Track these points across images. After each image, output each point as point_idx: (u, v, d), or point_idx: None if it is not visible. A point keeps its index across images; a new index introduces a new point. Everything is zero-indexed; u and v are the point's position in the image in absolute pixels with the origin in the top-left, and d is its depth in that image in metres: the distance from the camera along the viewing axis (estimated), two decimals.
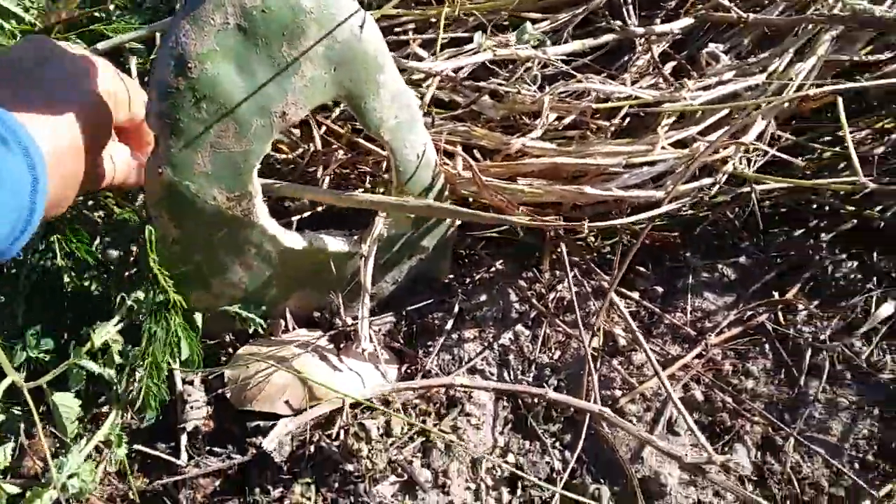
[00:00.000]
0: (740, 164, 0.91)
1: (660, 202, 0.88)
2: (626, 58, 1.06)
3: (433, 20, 1.04)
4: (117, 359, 0.78)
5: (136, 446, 0.82)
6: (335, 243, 0.88)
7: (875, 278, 0.96)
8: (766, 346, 0.92)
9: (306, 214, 0.96)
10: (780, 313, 0.94)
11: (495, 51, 0.92)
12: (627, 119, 0.98)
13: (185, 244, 0.81)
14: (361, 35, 0.78)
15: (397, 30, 1.06)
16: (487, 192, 0.85)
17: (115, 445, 0.76)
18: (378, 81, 0.80)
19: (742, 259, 1.00)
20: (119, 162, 0.78)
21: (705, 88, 0.94)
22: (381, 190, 0.93)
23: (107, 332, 0.78)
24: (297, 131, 1.00)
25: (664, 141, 0.89)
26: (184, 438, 0.81)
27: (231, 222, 0.81)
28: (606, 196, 0.88)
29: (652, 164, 0.89)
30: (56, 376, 0.74)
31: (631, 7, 1.01)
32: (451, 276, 0.98)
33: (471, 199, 0.97)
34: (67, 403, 0.75)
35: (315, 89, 0.78)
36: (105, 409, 0.84)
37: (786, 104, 0.92)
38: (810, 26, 0.99)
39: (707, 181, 0.91)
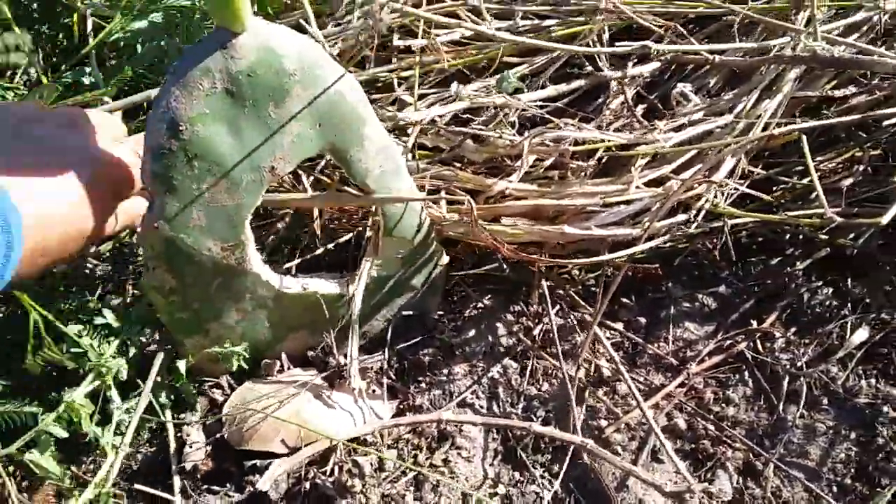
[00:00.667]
0: (714, 198, 0.93)
1: (638, 238, 0.89)
2: (600, 99, 1.08)
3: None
4: (85, 425, 0.79)
5: (135, 485, 0.83)
6: (327, 286, 0.90)
7: (850, 304, 0.97)
8: (746, 373, 0.93)
9: (297, 261, 0.97)
10: (758, 341, 0.95)
11: (472, 99, 0.94)
12: (605, 159, 0.99)
13: (184, 293, 0.83)
14: (344, 93, 0.80)
15: (383, 77, 1.08)
16: (479, 232, 0.86)
17: (106, 500, 0.77)
18: (362, 134, 0.82)
19: (721, 288, 1.01)
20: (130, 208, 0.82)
21: (676, 129, 0.95)
22: (370, 235, 0.94)
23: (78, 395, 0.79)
24: (287, 178, 1.02)
25: (638, 181, 0.90)
26: (177, 479, 0.82)
27: (226, 271, 0.82)
28: (586, 235, 0.89)
29: (628, 202, 0.91)
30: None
31: (603, 53, 1.03)
32: (441, 312, 0.99)
33: (458, 240, 0.99)
34: (44, 465, 0.76)
35: (302, 144, 0.80)
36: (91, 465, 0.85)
37: (754, 142, 0.93)
38: (774, 66, 1.01)
39: (682, 218, 0.92)
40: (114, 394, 0.82)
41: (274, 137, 0.78)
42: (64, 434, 0.77)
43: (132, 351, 0.84)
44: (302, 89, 0.78)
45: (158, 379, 0.85)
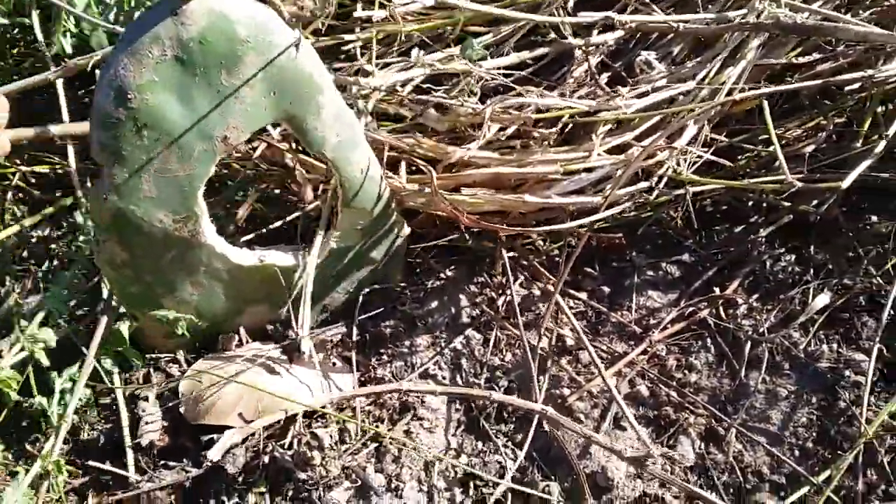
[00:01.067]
0: (677, 166, 0.90)
1: (600, 207, 0.87)
2: (564, 68, 1.05)
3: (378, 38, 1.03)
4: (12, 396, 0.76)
5: (89, 462, 0.80)
6: (284, 258, 0.87)
7: (812, 270, 0.95)
8: (708, 340, 0.91)
9: (257, 233, 0.95)
10: (721, 308, 0.93)
11: (433, 65, 0.91)
12: (569, 127, 0.96)
13: (135, 266, 0.80)
14: (298, 59, 0.76)
15: (345, 47, 1.05)
16: (439, 201, 0.84)
17: (56, 472, 0.74)
18: (318, 102, 0.79)
19: (685, 256, 0.99)
20: None
21: (640, 96, 0.93)
22: (328, 203, 0.91)
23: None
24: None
25: (600, 148, 0.88)
26: (130, 453, 0.79)
27: (179, 243, 0.79)
28: (546, 203, 0.87)
29: (590, 170, 0.88)
30: None
31: (567, 23, 1.00)
32: (403, 284, 0.97)
33: (419, 211, 0.97)
34: None
35: (256, 113, 0.77)
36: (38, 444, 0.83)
37: (717, 108, 0.91)
38: (738, 33, 0.98)
39: (644, 185, 0.89)
40: (43, 360, 0.78)
41: (226, 106, 0.75)
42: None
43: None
44: (255, 56, 0.74)
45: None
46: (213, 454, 0.71)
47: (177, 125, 0.74)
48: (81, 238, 0.92)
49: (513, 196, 0.86)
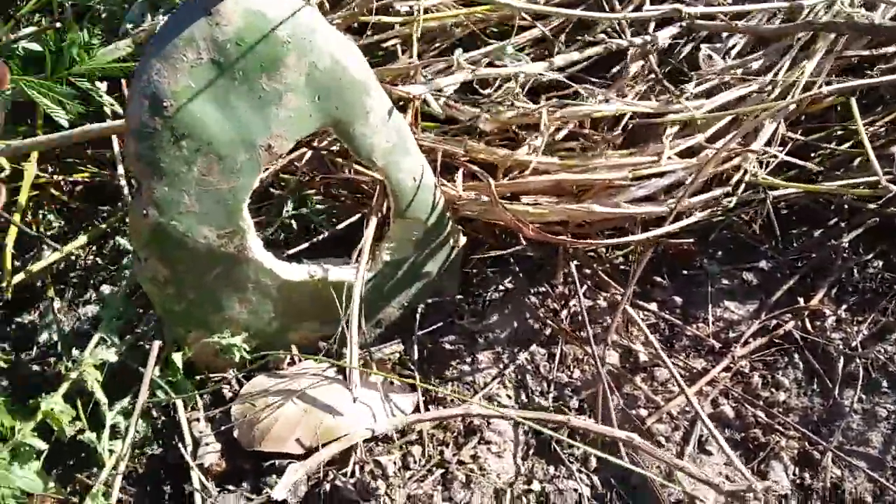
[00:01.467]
0: (752, 168, 0.81)
1: (671, 214, 0.78)
2: (616, 66, 0.96)
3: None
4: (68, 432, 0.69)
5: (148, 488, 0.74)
6: (335, 272, 0.80)
7: None
8: (796, 355, 0.80)
9: (304, 246, 0.87)
10: (806, 320, 0.83)
11: (475, 70, 0.83)
12: (629, 127, 0.88)
13: (178, 284, 0.72)
14: (343, 61, 0.70)
15: (384, 45, 0.97)
16: (500, 211, 0.76)
17: None
18: (366, 106, 0.72)
19: (762, 263, 0.89)
20: None
21: (707, 95, 0.84)
22: (375, 217, 0.83)
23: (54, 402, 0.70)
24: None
25: (670, 150, 0.79)
26: (196, 477, 0.72)
27: (224, 259, 0.72)
28: (616, 213, 0.78)
29: (661, 175, 0.80)
30: None
31: (627, 17, 0.91)
32: (460, 296, 0.88)
33: (473, 218, 0.89)
34: (28, 479, 0.67)
35: (300, 120, 0.70)
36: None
37: (794, 105, 0.82)
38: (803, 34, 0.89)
39: (720, 192, 0.80)
40: (99, 395, 0.72)
41: (269, 112, 0.68)
42: (43, 445, 0.68)
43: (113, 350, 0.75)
44: (297, 58, 0.67)
45: (157, 374, 0.76)
46: (278, 494, 0.63)
47: (217, 134, 0.67)
48: (125, 260, 0.85)
49: (579, 206, 0.77)
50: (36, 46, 0.89)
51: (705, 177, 0.76)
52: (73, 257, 0.94)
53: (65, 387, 0.70)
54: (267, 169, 0.74)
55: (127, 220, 0.88)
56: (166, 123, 0.65)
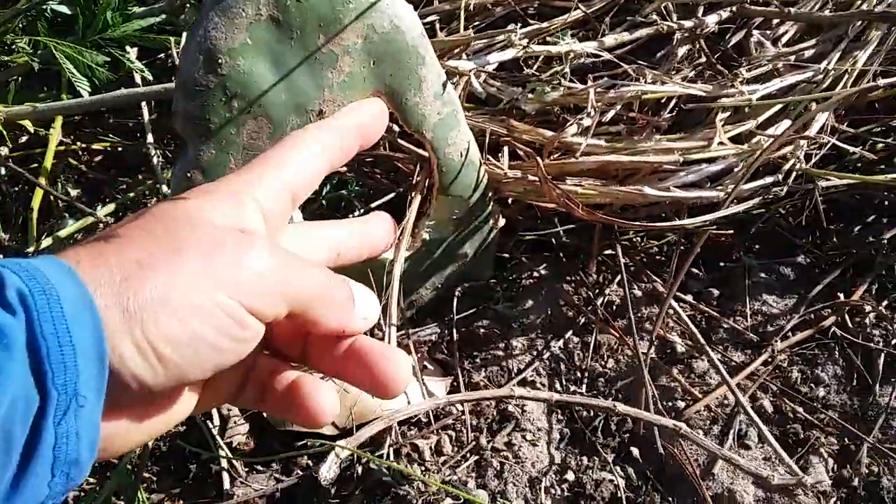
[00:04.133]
0: (805, 160, 0.82)
1: (720, 202, 0.79)
2: (662, 49, 0.97)
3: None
4: None
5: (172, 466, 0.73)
6: None
7: None
8: (836, 350, 0.82)
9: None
10: (847, 315, 0.84)
11: (528, 48, 0.83)
12: (675, 112, 0.88)
13: None
14: (403, 26, 0.69)
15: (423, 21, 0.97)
16: (549, 189, 0.76)
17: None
18: (420, 75, 0.72)
19: (800, 258, 0.91)
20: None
21: (760, 81, 0.85)
22: (420, 195, 0.83)
23: None
24: None
25: (722, 135, 0.80)
26: (224, 456, 0.72)
27: None
28: (668, 197, 0.79)
29: (712, 160, 0.81)
30: None
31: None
32: (494, 280, 0.89)
33: (510, 201, 0.89)
34: None
35: (354, 85, 0.69)
36: None
37: (852, 96, 0.83)
38: (858, 23, 0.90)
39: (770, 180, 0.81)
40: None
41: (323, 75, 0.68)
42: None
43: None
44: (357, 19, 0.67)
45: None
46: (326, 474, 0.63)
47: (269, 96, 0.66)
48: None
49: (629, 188, 0.78)
50: (65, 9, 0.86)
51: (759, 164, 0.77)
52: (97, 226, 0.93)
53: None
54: None
55: (153, 188, 0.87)
56: (219, 81, 0.64)
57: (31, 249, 0.81)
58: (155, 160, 0.92)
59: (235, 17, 0.63)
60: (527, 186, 0.81)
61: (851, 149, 0.87)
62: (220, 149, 0.67)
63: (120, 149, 1.05)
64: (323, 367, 0.48)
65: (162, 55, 1.08)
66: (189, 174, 0.67)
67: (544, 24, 0.91)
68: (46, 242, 0.82)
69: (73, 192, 1.02)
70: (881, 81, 0.79)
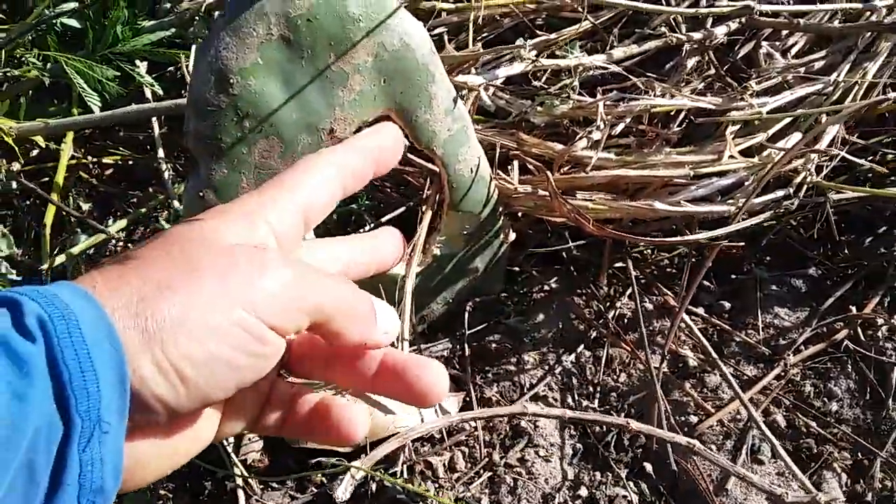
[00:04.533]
0: (815, 173, 0.82)
1: (731, 216, 0.79)
2: (670, 60, 0.97)
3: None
4: None
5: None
6: None
7: None
8: (848, 364, 0.82)
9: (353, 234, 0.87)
10: (859, 329, 0.84)
11: (537, 61, 0.83)
12: (685, 124, 0.89)
13: None
14: (413, 44, 0.69)
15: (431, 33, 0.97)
16: (559, 205, 0.76)
17: None
18: (430, 92, 0.72)
19: (811, 270, 0.91)
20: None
21: (770, 93, 0.85)
22: (431, 210, 0.84)
23: None
24: None
25: (733, 149, 0.80)
26: (238, 473, 0.72)
27: None
28: (678, 212, 0.79)
29: (722, 174, 0.81)
30: None
31: (683, 13, 0.92)
32: (505, 294, 0.89)
33: (520, 215, 0.89)
34: None
35: (364, 103, 0.70)
36: None
37: (862, 109, 0.83)
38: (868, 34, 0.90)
39: (782, 193, 0.81)
40: None
41: (334, 93, 0.68)
42: None
43: None
44: (366, 38, 0.67)
45: None
46: (342, 494, 0.63)
47: (281, 115, 0.67)
48: None
49: (640, 203, 0.78)
50: (75, 23, 0.86)
51: (770, 177, 0.77)
52: (108, 242, 0.93)
53: None
54: None
55: (164, 203, 0.87)
56: (231, 101, 0.65)
57: (45, 266, 0.81)
58: (166, 174, 0.92)
59: (246, 37, 0.64)
60: (537, 201, 0.81)
61: (862, 161, 0.86)
62: (232, 168, 0.67)
63: (130, 162, 1.06)
64: (353, 383, 0.49)
65: (171, 68, 1.08)
66: (201, 193, 0.67)
67: (553, 36, 0.91)
68: (60, 259, 0.82)
69: (85, 207, 1.03)
70: (891, 94, 0.79)
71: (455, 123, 0.75)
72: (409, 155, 0.85)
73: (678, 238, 0.80)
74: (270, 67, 0.65)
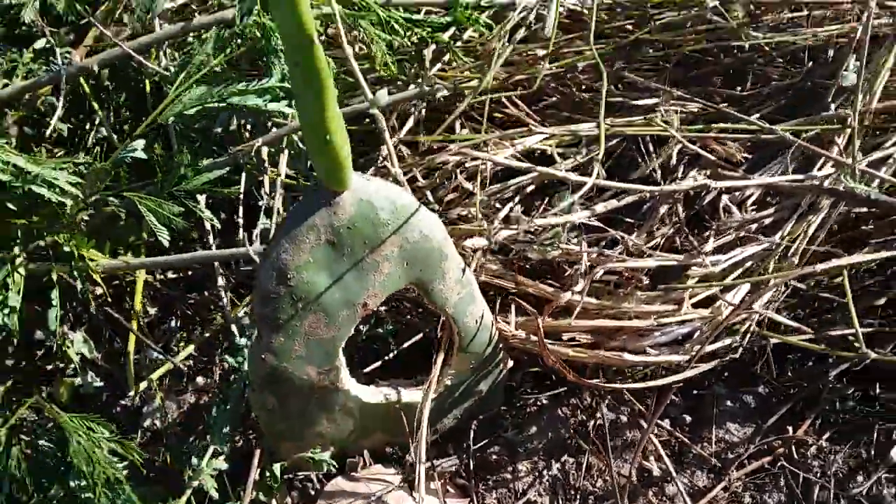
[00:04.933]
0: (759, 323, 1.01)
1: (689, 363, 0.98)
2: (647, 204, 1.15)
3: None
4: None
5: None
6: (406, 394, 0.99)
7: (882, 412, 1.05)
8: (782, 480, 1.01)
9: (377, 365, 1.07)
10: (793, 447, 1.03)
11: (531, 222, 1.01)
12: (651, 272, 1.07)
13: (284, 410, 0.92)
14: (430, 235, 0.88)
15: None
16: (547, 353, 0.95)
17: None
18: (444, 268, 0.91)
19: (760, 388, 1.09)
20: None
21: (723, 248, 1.03)
22: (443, 353, 1.02)
23: None
24: None
25: (689, 302, 0.98)
26: None
27: (321, 390, 0.92)
28: (643, 362, 0.98)
29: (682, 323, 0.99)
30: None
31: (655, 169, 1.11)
32: (504, 408, 1.08)
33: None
34: None
35: (391, 281, 0.89)
36: None
37: (799, 271, 1.01)
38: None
39: (729, 341, 1.00)
40: (213, 494, 0.91)
41: (367, 278, 0.87)
42: None
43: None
44: (394, 234, 0.86)
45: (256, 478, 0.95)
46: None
47: (326, 297, 0.86)
48: (233, 377, 1.04)
49: (612, 354, 0.97)
50: (143, 155, 1.03)
51: (720, 329, 0.95)
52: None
53: (188, 493, 0.89)
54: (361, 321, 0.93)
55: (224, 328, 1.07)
56: (288, 291, 0.83)
57: (132, 393, 1.02)
58: (224, 299, 1.12)
59: (301, 243, 0.83)
60: (529, 345, 1.00)
61: (793, 324, 1.04)
62: (287, 337, 0.86)
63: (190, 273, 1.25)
64: None
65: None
66: (263, 356, 0.87)
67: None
68: (143, 385, 1.03)
69: (151, 311, 1.22)
70: (818, 267, 0.97)
71: (464, 288, 0.94)
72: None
73: (642, 384, 0.99)
74: (319, 264, 0.84)
